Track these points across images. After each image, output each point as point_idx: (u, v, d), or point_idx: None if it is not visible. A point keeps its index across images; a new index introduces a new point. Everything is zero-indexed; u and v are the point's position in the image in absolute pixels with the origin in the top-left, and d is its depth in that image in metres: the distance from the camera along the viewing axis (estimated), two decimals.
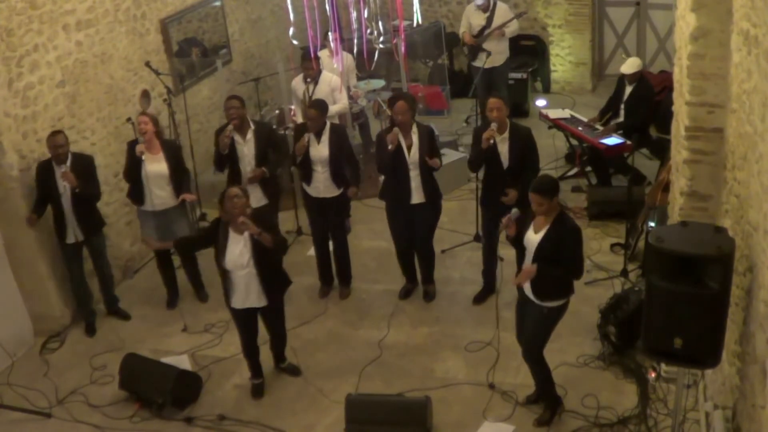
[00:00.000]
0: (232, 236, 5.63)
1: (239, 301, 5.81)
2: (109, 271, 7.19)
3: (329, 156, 6.78)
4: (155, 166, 6.80)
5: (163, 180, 6.85)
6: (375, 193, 7.11)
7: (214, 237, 5.72)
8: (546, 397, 5.67)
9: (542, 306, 5.30)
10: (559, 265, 5.15)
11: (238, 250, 5.62)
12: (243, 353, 6.17)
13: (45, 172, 6.58)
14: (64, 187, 6.53)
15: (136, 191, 6.91)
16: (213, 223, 5.86)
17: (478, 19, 9.63)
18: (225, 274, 5.73)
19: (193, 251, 6.81)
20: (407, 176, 6.64)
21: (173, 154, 6.99)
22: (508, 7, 9.86)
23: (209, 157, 7.59)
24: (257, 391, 6.22)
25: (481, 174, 6.85)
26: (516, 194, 6.33)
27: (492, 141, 6.30)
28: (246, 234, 5.57)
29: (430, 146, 6.65)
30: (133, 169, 6.82)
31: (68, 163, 6.54)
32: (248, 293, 5.76)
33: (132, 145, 6.87)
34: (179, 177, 6.94)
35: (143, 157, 6.71)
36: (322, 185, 6.89)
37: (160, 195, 6.87)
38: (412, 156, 6.58)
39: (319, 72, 8.15)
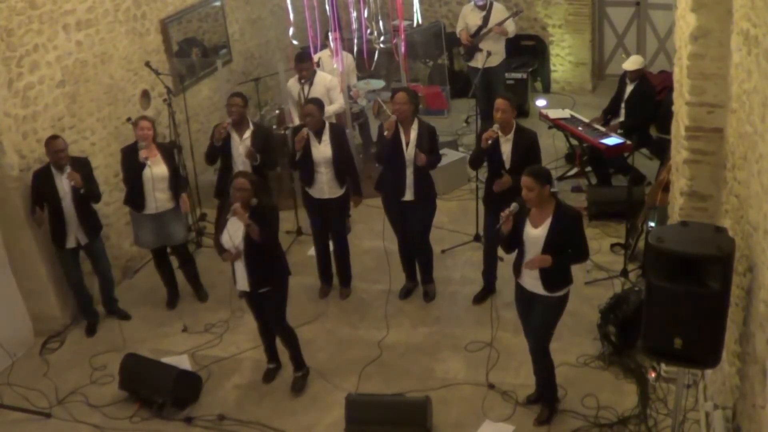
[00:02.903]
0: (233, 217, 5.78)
1: (237, 283, 5.94)
2: (110, 274, 7.19)
3: (332, 155, 6.77)
4: (156, 169, 6.81)
5: (164, 182, 6.87)
6: (375, 192, 7.11)
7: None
8: (547, 393, 5.68)
9: (551, 297, 5.33)
10: (569, 253, 5.25)
11: (233, 230, 5.73)
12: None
13: (43, 179, 6.54)
14: (68, 190, 6.52)
15: (136, 196, 6.89)
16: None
17: (474, 19, 9.60)
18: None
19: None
20: (403, 172, 6.64)
21: (170, 156, 7.02)
22: (504, 8, 9.85)
23: None
24: (266, 376, 6.31)
25: (483, 174, 6.85)
26: (509, 179, 6.31)
27: (490, 141, 6.29)
28: None
29: (430, 145, 6.64)
30: (133, 175, 6.81)
31: (67, 166, 6.55)
32: (239, 276, 5.87)
33: (126, 151, 6.86)
34: (178, 179, 7.01)
35: (148, 162, 6.73)
36: (326, 186, 6.87)
37: (160, 197, 6.88)
38: (409, 152, 6.58)
39: (314, 73, 8.15)
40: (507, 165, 6.40)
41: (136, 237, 7.17)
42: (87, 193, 6.62)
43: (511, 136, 6.36)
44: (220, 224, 5.84)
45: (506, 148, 6.38)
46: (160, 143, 7.14)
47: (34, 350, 6.91)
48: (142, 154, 6.70)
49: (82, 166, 6.68)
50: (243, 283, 5.87)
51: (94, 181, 6.80)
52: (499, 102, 6.31)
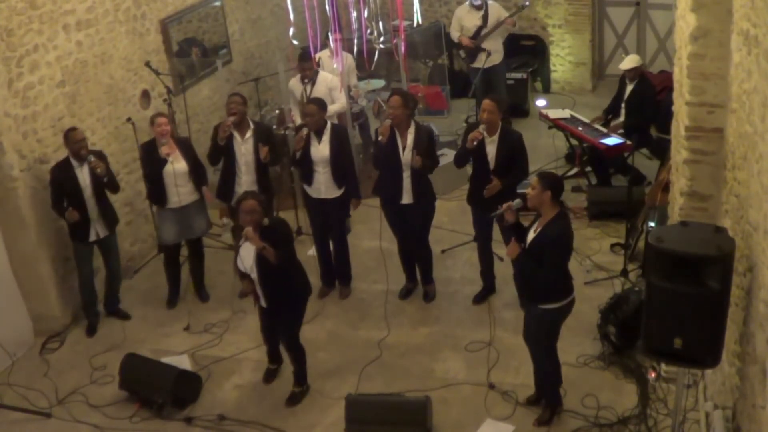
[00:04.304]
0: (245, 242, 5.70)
1: (260, 298, 5.88)
2: (119, 270, 7.20)
3: (330, 156, 6.76)
4: (177, 165, 6.84)
5: (184, 177, 6.90)
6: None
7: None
8: (547, 396, 5.67)
9: (537, 307, 5.32)
10: (540, 266, 5.15)
11: (245, 253, 5.68)
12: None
13: (63, 172, 6.55)
14: (88, 181, 6.55)
15: (158, 192, 6.90)
16: None
17: (472, 20, 9.55)
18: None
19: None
20: (400, 175, 6.63)
21: (188, 149, 7.04)
22: (500, 6, 9.82)
23: None
24: (267, 376, 6.32)
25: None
26: (498, 185, 6.33)
27: (476, 142, 6.29)
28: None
29: (427, 147, 6.62)
30: (154, 171, 6.82)
31: (90, 156, 6.58)
32: (259, 294, 5.81)
33: (146, 147, 6.89)
34: (198, 171, 7.02)
35: (170, 159, 6.74)
36: (323, 186, 6.87)
37: (182, 191, 6.90)
38: (405, 156, 6.57)
39: (316, 72, 8.15)
40: (492, 165, 6.43)
41: (159, 233, 7.18)
42: (109, 182, 6.67)
43: (496, 137, 6.38)
44: (235, 250, 5.78)
45: (491, 149, 6.40)
46: (177, 137, 7.15)
47: (34, 350, 6.91)
48: (164, 150, 6.72)
49: (101, 157, 6.72)
50: (263, 300, 5.84)
51: (111, 171, 6.85)
52: (486, 103, 6.34)
